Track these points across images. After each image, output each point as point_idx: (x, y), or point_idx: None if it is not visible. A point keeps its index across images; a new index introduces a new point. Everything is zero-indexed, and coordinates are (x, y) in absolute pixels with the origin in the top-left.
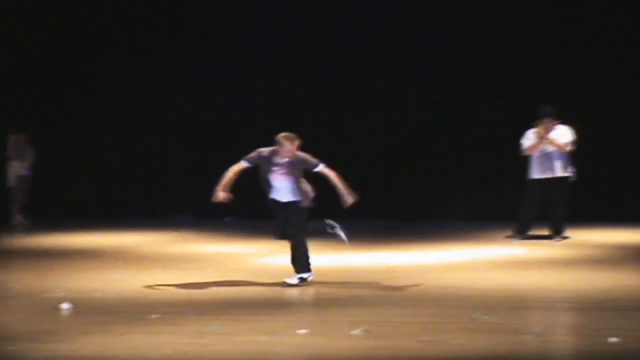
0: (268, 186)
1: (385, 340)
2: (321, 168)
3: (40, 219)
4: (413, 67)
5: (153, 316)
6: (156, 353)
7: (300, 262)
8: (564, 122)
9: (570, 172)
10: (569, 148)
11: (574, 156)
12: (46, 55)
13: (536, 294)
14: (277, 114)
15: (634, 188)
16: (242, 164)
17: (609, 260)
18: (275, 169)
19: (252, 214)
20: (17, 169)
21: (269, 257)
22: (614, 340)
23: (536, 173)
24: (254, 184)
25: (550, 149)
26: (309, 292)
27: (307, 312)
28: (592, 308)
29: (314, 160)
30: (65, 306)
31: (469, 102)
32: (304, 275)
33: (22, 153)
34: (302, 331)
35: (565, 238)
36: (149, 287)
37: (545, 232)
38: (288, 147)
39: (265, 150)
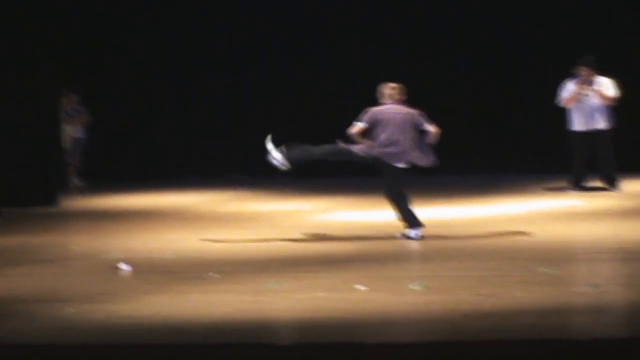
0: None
1: (443, 294)
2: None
3: (96, 180)
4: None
5: (211, 275)
6: (216, 311)
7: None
8: (606, 74)
9: (611, 124)
10: (613, 102)
11: (614, 109)
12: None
13: (593, 245)
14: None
15: None
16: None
17: None
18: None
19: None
20: (71, 131)
21: (325, 213)
22: None
23: (577, 125)
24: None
25: (592, 100)
26: (366, 248)
27: (364, 268)
28: None
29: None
30: (124, 267)
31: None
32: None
33: (75, 114)
34: (361, 287)
35: (618, 188)
36: (207, 246)
37: (600, 184)
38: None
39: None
